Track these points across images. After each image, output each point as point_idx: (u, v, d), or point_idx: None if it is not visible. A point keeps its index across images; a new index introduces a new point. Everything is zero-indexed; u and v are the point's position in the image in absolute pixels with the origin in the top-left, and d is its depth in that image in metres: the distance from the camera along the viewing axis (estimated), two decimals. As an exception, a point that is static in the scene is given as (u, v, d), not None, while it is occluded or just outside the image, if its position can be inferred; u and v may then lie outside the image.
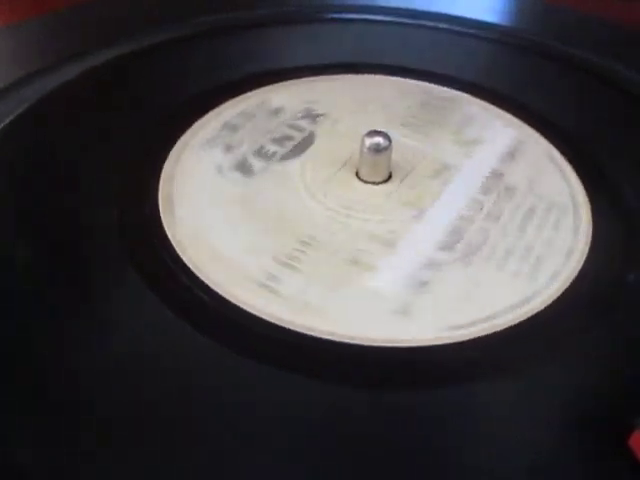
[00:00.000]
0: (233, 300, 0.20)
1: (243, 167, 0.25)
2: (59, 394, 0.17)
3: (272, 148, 0.26)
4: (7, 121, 0.26)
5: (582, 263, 0.22)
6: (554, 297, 0.21)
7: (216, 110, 0.28)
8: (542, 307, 0.20)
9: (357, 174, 0.25)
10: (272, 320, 0.19)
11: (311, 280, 0.21)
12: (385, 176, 0.25)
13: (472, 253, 0.22)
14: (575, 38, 0.34)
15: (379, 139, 0.24)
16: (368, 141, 0.24)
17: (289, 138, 0.26)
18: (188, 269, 0.21)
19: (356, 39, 0.33)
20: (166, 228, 0.22)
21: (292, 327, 0.19)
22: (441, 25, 0.35)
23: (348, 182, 0.25)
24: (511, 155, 0.26)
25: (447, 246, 0.22)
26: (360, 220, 0.23)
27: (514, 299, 0.20)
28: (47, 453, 0.16)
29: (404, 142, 0.26)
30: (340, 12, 0.36)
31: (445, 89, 0.30)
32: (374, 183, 0.24)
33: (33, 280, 0.20)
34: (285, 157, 0.25)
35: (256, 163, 0.25)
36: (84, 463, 0.16)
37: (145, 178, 0.24)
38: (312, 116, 0.28)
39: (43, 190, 0.24)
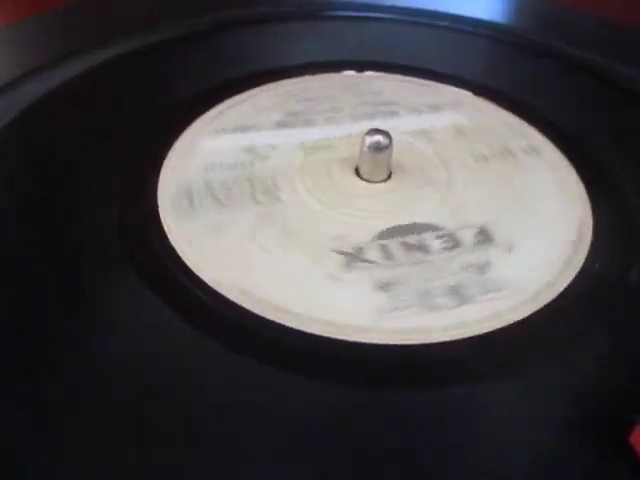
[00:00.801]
0: (234, 299, 0.20)
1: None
2: (59, 394, 0.17)
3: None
4: (6, 120, 0.26)
5: (582, 263, 0.22)
6: (554, 297, 0.21)
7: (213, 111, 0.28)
8: (542, 307, 0.20)
9: (357, 174, 0.25)
10: (273, 319, 0.19)
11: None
12: (386, 174, 0.25)
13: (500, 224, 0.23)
14: (575, 37, 0.34)
15: (379, 137, 0.24)
16: (368, 140, 0.24)
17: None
18: (188, 269, 0.21)
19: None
20: (166, 228, 0.22)
21: (293, 326, 0.19)
22: (439, 23, 0.35)
23: (353, 184, 0.24)
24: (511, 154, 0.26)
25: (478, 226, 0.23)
26: (353, 217, 0.23)
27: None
28: (47, 453, 0.16)
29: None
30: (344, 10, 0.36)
31: (448, 87, 0.30)
32: (375, 182, 0.24)
33: (33, 280, 0.20)
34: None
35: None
36: (84, 463, 0.16)
37: (145, 178, 0.24)
38: (276, 128, 0.27)
39: (42, 189, 0.24)
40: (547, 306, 0.20)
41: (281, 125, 0.27)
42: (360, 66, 0.31)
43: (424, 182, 0.25)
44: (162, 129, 0.26)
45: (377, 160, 0.24)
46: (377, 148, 0.24)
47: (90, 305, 0.20)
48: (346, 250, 0.22)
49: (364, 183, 0.24)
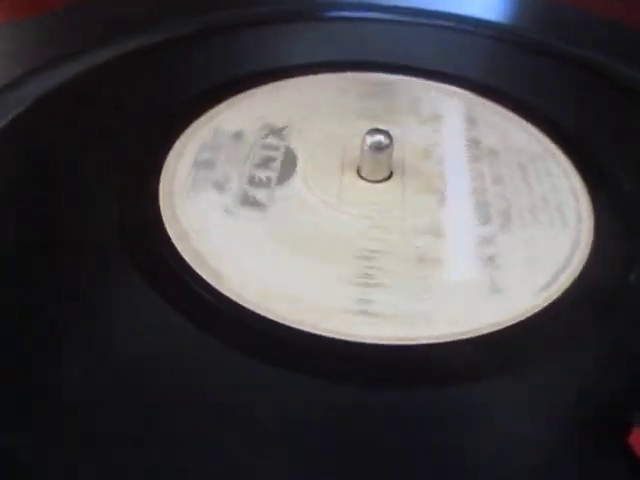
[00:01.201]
0: (235, 298, 0.20)
1: (249, 202, 0.24)
2: (59, 394, 0.17)
3: (262, 174, 0.25)
4: (7, 120, 0.26)
5: (583, 263, 0.22)
6: (554, 297, 0.21)
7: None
8: (542, 307, 0.20)
9: (359, 174, 0.25)
10: (274, 319, 0.19)
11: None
12: (387, 173, 0.25)
13: (508, 219, 0.23)
14: (575, 36, 0.34)
15: (380, 137, 0.24)
16: (369, 139, 0.24)
17: (271, 159, 0.26)
18: (189, 268, 0.21)
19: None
20: (167, 227, 0.22)
21: (294, 325, 0.19)
22: (440, 23, 0.35)
23: (355, 184, 0.24)
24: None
25: (486, 220, 0.23)
26: (394, 219, 0.23)
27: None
28: (47, 453, 0.16)
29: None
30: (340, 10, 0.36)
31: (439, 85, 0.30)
32: (377, 181, 0.24)
33: (33, 280, 0.20)
34: (281, 179, 0.25)
35: (258, 194, 0.24)
36: (84, 463, 0.16)
37: (145, 177, 0.24)
38: (275, 132, 0.27)
39: (42, 189, 0.24)
40: (547, 306, 0.20)
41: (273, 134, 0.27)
42: (342, 67, 0.31)
43: (426, 178, 0.25)
44: (162, 129, 0.26)
45: (378, 159, 0.24)
46: (378, 148, 0.24)
47: (90, 305, 0.20)
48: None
49: (367, 183, 0.24)
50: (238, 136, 0.26)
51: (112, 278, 0.21)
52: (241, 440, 0.17)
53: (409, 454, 0.17)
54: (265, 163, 0.25)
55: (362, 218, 0.23)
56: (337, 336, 0.19)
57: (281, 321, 0.19)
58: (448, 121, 0.28)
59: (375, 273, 0.21)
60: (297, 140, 0.27)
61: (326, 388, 0.18)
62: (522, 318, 0.20)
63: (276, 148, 0.26)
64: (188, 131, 0.26)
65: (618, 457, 0.16)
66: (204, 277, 0.20)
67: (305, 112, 0.28)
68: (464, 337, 0.19)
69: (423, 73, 0.31)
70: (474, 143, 0.26)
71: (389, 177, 0.25)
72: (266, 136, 0.27)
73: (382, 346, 0.19)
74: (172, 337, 0.19)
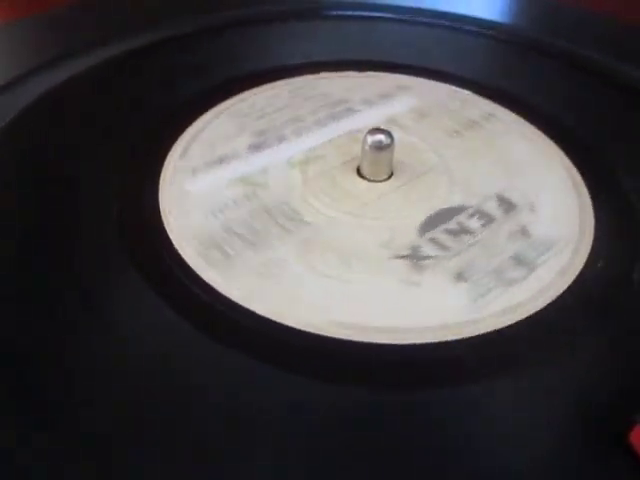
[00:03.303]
0: (234, 298, 0.20)
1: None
2: (59, 394, 0.17)
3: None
4: (7, 120, 0.26)
5: (583, 263, 0.22)
6: (554, 297, 0.20)
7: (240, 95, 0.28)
8: (542, 307, 0.20)
9: (358, 172, 0.25)
10: (275, 319, 0.19)
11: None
12: (387, 174, 0.25)
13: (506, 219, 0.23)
14: (578, 36, 0.34)
15: (381, 136, 0.24)
16: (370, 139, 0.24)
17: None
18: (189, 268, 0.21)
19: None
20: (167, 227, 0.22)
21: (294, 326, 0.19)
22: (441, 22, 0.35)
23: (360, 185, 0.25)
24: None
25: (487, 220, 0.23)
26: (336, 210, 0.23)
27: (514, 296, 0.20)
28: (47, 453, 0.16)
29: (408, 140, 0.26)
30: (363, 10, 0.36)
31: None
32: (376, 181, 0.24)
33: (33, 279, 0.20)
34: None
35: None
36: (84, 463, 0.16)
37: (146, 176, 0.24)
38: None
39: (42, 189, 0.24)
40: (547, 306, 0.20)
41: (256, 147, 0.26)
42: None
43: (422, 171, 0.25)
44: (162, 129, 0.26)
45: (379, 159, 0.24)
46: (379, 147, 0.24)
47: (90, 304, 0.20)
48: (404, 253, 0.22)
49: (371, 183, 0.24)
50: (238, 135, 0.27)
51: (112, 277, 0.21)
52: (241, 440, 0.17)
53: (409, 454, 0.17)
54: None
55: (376, 220, 0.23)
56: (337, 336, 0.19)
57: (283, 322, 0.19)
58: (449, 122, 0.28)
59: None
60: (281, 155, 0.26)
61: (326, 388, 0.18)
62: (521, 318, 0.20)
63: (265, 170, 0.26)
64: (188, 132, 0.26)
65: (618, 457, 0.16)
66: (204, 277, 0.20)
67: (272, 127, 0.28)
68: (464, 337, 0.19)
69: (426, 73, 0.31)
70: (475, 142, 0.26)
71: (390, 177, 0.25)
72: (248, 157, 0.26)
73: (382, 346, 0.19)
74: (171, 336, 0.19)
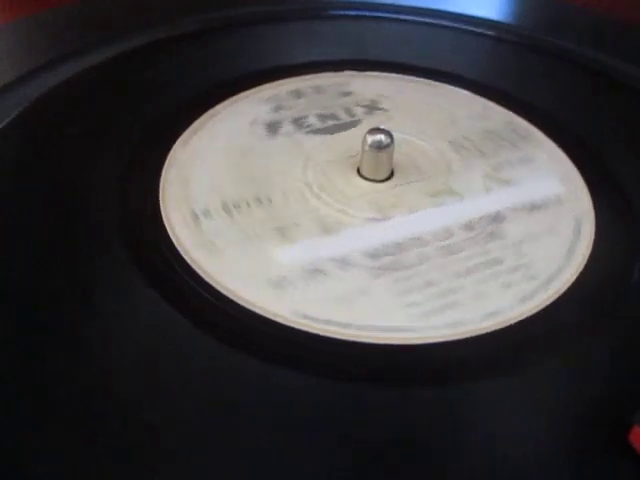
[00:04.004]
0: (235, 298, 0.20)
1: (272, 127, 0.26)
2: (59, 394, 0.17)
3: (312, 120, 0.27)
4: (7, 120, 0.26)
5: (583, 264, 0.22)
6: (554, 297, 0.21)
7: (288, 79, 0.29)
8: (542, 307, 0.20)
9: (358, 170, 0.25)
10: (275, 319, 0.19)
11: (231, 228, 0.22)
12: (385, 175, 0.25)
13: (392, 270, 0.21)
14: (574, 34, 0.34)
15: (381, 137, 0.24)
16: (370, 138, 0.24)
17: (334, 118, 0.27)
18: (190, 268, 0.21)
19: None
20: (168, 227, 0.22)
21: (295, 326, 0.19)
22: (441, 22, 0.34)
23: (345, 173, 0.25)
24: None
25: (375, 254, 0.22)
26: (322, 202, 0.23)
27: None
28: (47, 453, 0.16)
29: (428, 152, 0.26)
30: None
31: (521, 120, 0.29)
32: (373, 181, 0.24)
33: (34, 280, 0.20)
34: (315, 132, 0.26)
35: (286, 127, 0.26)
36: (83, 463, 0.16)
37: (147, 175, 0.24)
38: (372, 108, 0.28)
39: (44, 189, 0.24)
40: (548, 306, 0.20)
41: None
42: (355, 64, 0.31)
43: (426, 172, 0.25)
44: (162, 129, 0.26)
45: (379, 159, 0.24)
46: (379, 147, 0.24)
47: (90, 304, 0.20)
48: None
49: (368, 182, 0.25)
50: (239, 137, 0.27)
51: (112, 277, 0.21)
52: (241, 440, 0.17)
53: (409, 454, 0.17)
54: (325, 118, 0.27)
55: (306, 186, 0.24)
56: (337, 336, 0.19)
57: (281, 321, 0.19)
58: (451, 124, 0.28)
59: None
60: (372, 122, 0.27)
61: (326, 388, 0.18)
62: (522, 318, 0.20)
63: (353, 115, 0.27)
64: (188, 132, 0.26)
65: (619, 456, 0.16)
66: (204, 277, 0.20)
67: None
68: (464, 337, 0.19)
69: (428, 73, 0.31)
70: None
71: (390, 177, 0.25)
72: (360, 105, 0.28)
73: (382, 345, 0.19)
74: (172, 335, 0.19)
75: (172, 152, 0.25)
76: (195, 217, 0.22)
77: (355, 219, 0.23)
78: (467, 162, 0.26)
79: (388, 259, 0.21)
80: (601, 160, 0.26)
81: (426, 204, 0.24)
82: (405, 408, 0.18)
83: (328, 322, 0.19)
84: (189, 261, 0.21)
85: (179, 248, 0.21)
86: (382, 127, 0.24)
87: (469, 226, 0.23)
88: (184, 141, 0.26)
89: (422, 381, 0.18)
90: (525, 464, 0.17)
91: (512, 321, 0.20)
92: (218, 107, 0.27)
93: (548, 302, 0.20)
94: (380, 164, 0.24)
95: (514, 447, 0.17)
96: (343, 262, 0.21)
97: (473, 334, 0.19)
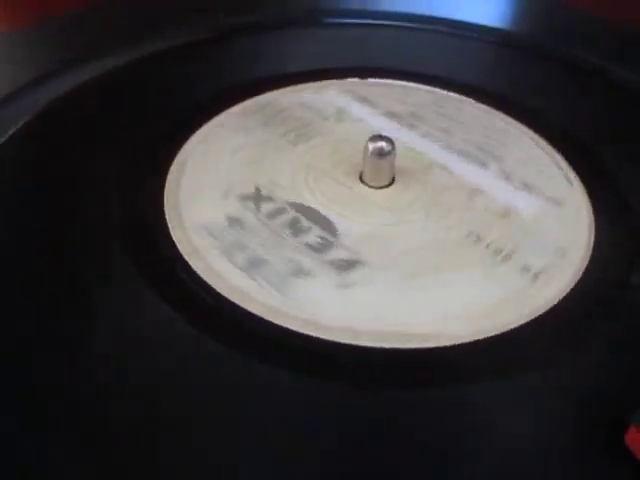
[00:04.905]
0: (235, 299, 0.20)
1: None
2: (59, 394, 0.17)
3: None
4: (18, 126, 0.26)
5: (585, 265, 0.22)
6: (556, 299, 0.21)
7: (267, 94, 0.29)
8: (544, 308, 0.20)
9: (361, 180, 0.25)
10: (274, 320, 0.19)
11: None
12: (388, 180, 0.25)
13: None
14: (574, 38, 0.34)
15: (382, 143, 0.24)
16: (371, 146, 0.24)
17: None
18: (191, 268, 0.21)
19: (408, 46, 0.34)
20: (170, 227, 0.22)
21: (295, 328, 0.19)
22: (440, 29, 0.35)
23: (348, 183, 0.25)
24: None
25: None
26: (350, 221, 0.23)
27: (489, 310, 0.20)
28: (47, 453, 0.16)
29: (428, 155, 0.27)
30: (361, 17, 0.36)
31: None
32: (374, 187, 0.25)
33: (34, 279, 0.21)
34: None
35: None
36: (83, 462, 0.16)
37: (151, 179, 0.24)
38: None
39: (49, 192, 0.24)
40: (549, 308, 0.20)
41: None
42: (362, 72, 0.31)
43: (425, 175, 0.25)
44: (167, 137, 0.26)
45: (380, 166, 0.24)
46: (380, 154, 0.24)
47: (91, 304, 0.20)
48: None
49: (370, 189, 0.25)
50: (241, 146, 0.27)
51: (114, 278, 0.21)
52: (241, 440, 0.17)
53: (409, 455, 0.17)
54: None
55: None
56: (338, 338, 0.19)
57: (282, 324, 0.19)
58: (453, 129, 0.28)
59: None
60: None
61: (326, 388, 0.18)
62: (524, 321, 0.20)
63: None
64: (192, 139, 0.27)
65: (618, 457, 0.16)
66: (204, 278, 0.21)
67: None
68: (465, 339, 0.19)
69: (430, 80, 0.31)
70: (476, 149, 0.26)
71: (391, 183, 0.25)
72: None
73: (383, 346, 0.19)
74: (171, 335, 0.19)
75: (181, 149, 0.26)
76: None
77: (393, 226, 0.23)
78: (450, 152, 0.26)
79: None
80: (599, 161, 0.26)
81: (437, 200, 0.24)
82: (404, 410, 0.18)
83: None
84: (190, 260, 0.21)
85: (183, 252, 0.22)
86: (383, 134, 0.24)
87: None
88: (189, 147, 0.26)
89: (421, 382, 0.18)
90: (524, 465, 0.17)
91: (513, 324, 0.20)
92: (192, 140, 0.27)
93: (548, 303, 0.20)
94: (383, 171, 0.24)
95: (513, 447, 0.17)
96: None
97: (473, 336, 0.19)
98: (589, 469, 0.17)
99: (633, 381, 0.18)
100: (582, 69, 0.32)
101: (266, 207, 0.24)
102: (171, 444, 0.16)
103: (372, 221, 0.23)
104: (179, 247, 0.22)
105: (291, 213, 0.23)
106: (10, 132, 0.26)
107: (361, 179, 0.25)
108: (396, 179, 0.25)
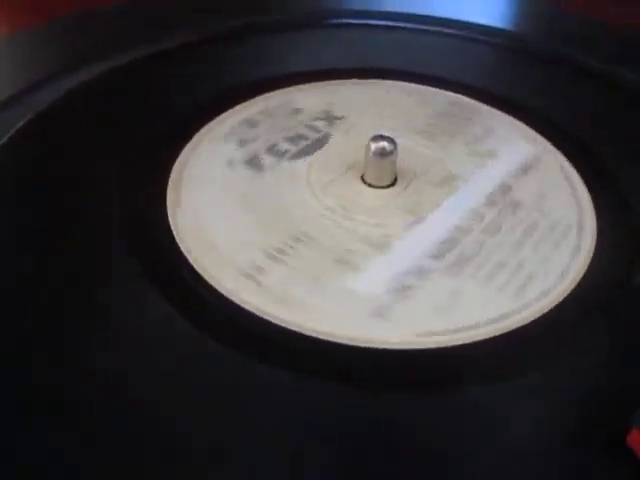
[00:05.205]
0: (235, 300, 0.20)
1: (253, 162, 0.25)
2: (59, 394, 0.17)
3: (285, 146, 0.26)
4: (13, 130, 0.26)
5: (586, 266, 0.22)
6: (555, 300, 0.21)
7: (236, 108, 0.28)
8: (543, 310, 0.20)
9: (362, 178, 0.25)
10: (275, 321, 0.19)
11: (295, 275, 0.21)
12: (390, 180, 0.25)
13: (462, 264, 0.22)
14: (574, 41, 0.34)
15: (384, 144, 0.24)
16: (373, 145, 0.24)
17: (303, 137, 0.27)
18: (193, 268, 0.21)
19: (376, 45, 0.34)
20: (172, 227, 0.22)
21: (296, 328, 0.19)
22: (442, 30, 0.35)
23: (352, 185, 0.25)
24: (524, 170, 0.26)
25: (438, 255, 0.22)
26: (356, 222, 0.23)
27: (494, 313, 0.20)
28: (47, 453, 0.16)
29: (415, 149, 0.26)
30: (360, 18, 0.36)
31: (464, 98, 0.30)
32: (379, 187, 0.24)
33: (35, 280, 0.21)
34: (296, 156, 0.26)
35: (266, 159, 0.26)
36: (83, 462, 0.16)
37: (154, 179, 0.24)
38: (330, 118, 0.28)
39: (50, 193, 0.24)
40: (549, 309, 0.20)
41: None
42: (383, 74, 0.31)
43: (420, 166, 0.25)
44: (167, 138, 0.26)
45: (382, 166, 0.24)
46: (382, 154, 0.24)
47: (91, 304, 0.20)
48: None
49: (371, 189, 0.25)
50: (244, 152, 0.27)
51: (114, 278, 0.21)
52: (241, 440, 0.17)
53: (409, 455, 0.17)
54: (295, 139, 0.27)
55: (327, 210, 0.23)
56: (338, 340, 0.19)
57: (284, 325, 0.19)
58: (499, 161, 0.27)
59: (289, 252, 0.21)
60: (339, 131, 0.27)
61: (326, 388, 0.18)
62: (525, 322, 0.20)
63: (317, 130, 0.27)
64: (194, 139, 0.27)
65: (618, 457, 0.16)
66: (204, 278, 0.21)
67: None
68: (465, 340, 0.19)
69: (430, 80, 0.31)
70: (504, 189, 0.25)
71: (391, 185, 0.25)
72: (318, 119, 0.28)
73: (383, 347, 0.19)
74: (172, 335, 0.19)
75: (183, 152, 0.26)
76: (249, 276, 0.21)
77: (396, 228, 0.23)
78: (446, 146, 0.27)
79: (451, 256, 0.22)
80: (603, 164, 0.26)
81: (442, 195, 0.24)
82: (405, 410, 0.18)
83: (453, 331, 0.19)
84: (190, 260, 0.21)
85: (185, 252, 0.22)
86: (384, 134, 0.24)
87: (490, 202, 0.24)
88: (198, 139, 0.26)
89: (422, 383, 0.18)
90: (524, 465, 0.17)
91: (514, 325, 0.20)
92: (182, 154, 0.26)
93: (548, 304, 0.20)
94: (385, 170, 0.24)
95: (513, 447, 0.17)
96: (420, 272, 0.21)
97: (475, 338, 0.19)
98: (589, 469, 0.17)
99: (633, 381, 0.18)
100: (582, 71, 0.32)
101: (303, 241, 0.23)
102: (171, 444, 0.16)
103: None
104: (180, 246, 0.22)
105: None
106: (11, 132, 0.26)
107: (363, 179, 0.25)
108: (398, 180, 0.25)
